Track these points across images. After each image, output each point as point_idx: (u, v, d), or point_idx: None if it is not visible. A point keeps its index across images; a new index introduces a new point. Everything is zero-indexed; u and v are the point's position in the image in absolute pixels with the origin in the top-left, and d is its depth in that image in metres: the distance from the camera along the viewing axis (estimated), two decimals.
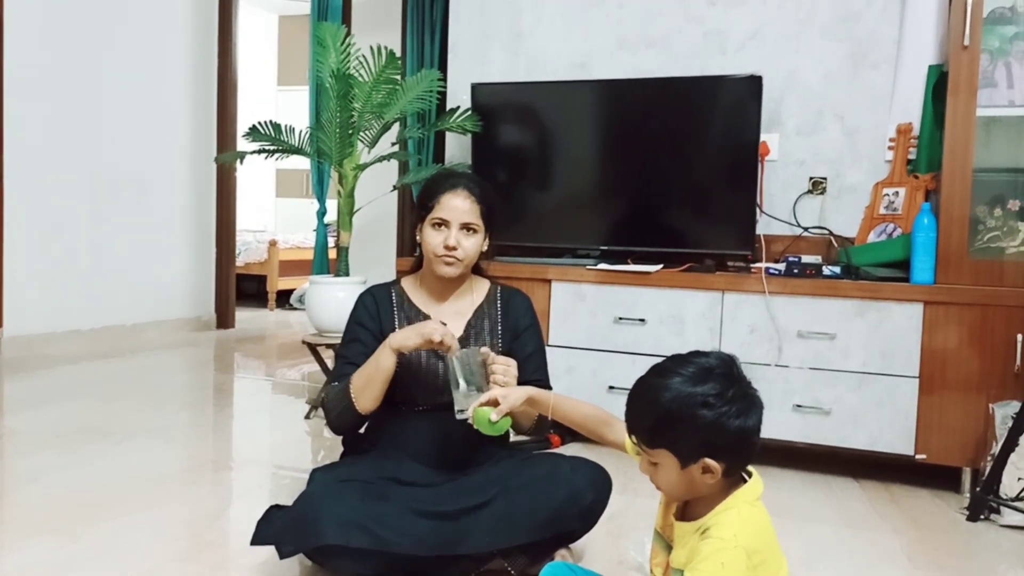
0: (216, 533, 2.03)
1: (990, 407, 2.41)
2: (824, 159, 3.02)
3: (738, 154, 2.89)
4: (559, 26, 3.39)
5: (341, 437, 1.95)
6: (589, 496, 1.70)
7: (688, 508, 1.28)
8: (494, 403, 1.56)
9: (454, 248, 1.81)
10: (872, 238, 2.86)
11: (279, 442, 3.03)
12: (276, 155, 3.34)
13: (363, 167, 3.32)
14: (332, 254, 4.04)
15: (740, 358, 1.25)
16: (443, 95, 3.48)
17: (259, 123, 3.25)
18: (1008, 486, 2.26)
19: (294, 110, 6.68)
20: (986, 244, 2.52)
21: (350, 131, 3.20)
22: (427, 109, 3.51)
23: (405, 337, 1.71)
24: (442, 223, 1.82)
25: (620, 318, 2.84)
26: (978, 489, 2.31)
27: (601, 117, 3.21)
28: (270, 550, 1.68)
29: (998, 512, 2.26)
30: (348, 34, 3.33)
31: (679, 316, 2.77)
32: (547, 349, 2.04)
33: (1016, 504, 2.22)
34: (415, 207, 1.97)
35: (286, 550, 1.61)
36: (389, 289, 1.94)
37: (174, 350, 4.68)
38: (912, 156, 2.86)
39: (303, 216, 7.87)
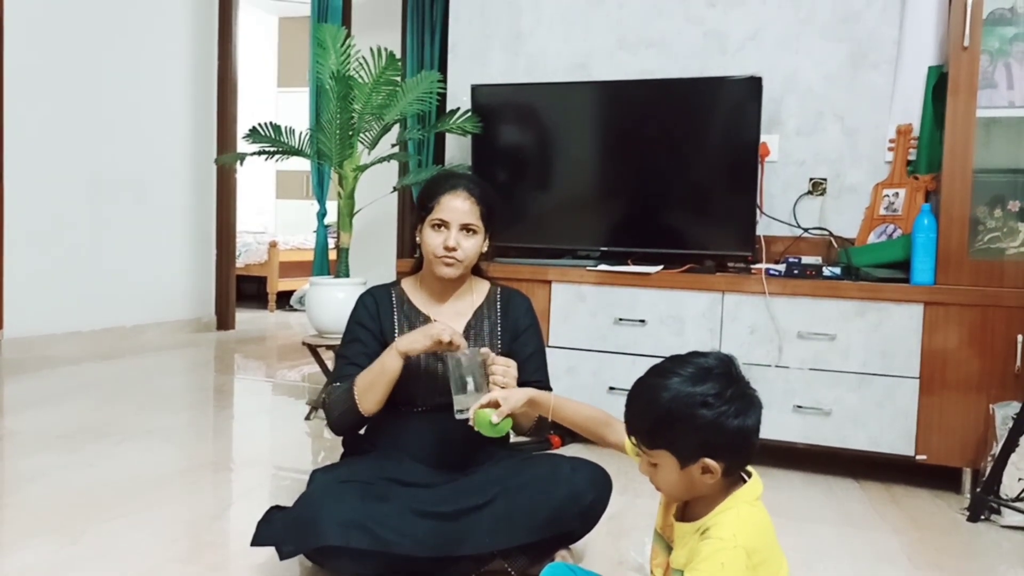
0: (216, 534, 2.03)
1: (990, 407, 2.41)
2: (824, 160, 3.02)
3: (738, 155, 2.89)
4: (559, 27, 3.39)
5: (341, 438, 1.95)
6: (589, 496, 1.70)
7: (688, 509, 1.28)
8: (495, 405, 1.56)
9: (454, 249, 1.81)
10: (872, 239, 2.86)
11: (279, 443, 3.03)
12: (276, 156, 3.34)
13: (363, 168, 3.32)
14: (332, 255, 4.04)
15: (740, 359, 1.26)
16: (443, 96, 3.48)
17: (259, 124, 3.25)
18: (1008, 487, 2.25)
19: (294, 111, 6.68)
20: (986, 245, 2.52)
21: (350, 132, 3.20)
22: (427, 110, 3.51)
23: (413, 340, 1.72)
24: (442, 224, 1.82)
25: (620, 319, 2.84)
26: (978, 490, 2.31)
27: (601, 118, 3.21)
28: (270, 551, 1.68)
29: (998, 512, 2.26)
30: (348, 35, 3.33)
31: (679, 317, 2.77)
32: (547, 350, 2.04)
33: (1016, 505, 2.21)
34: (415, 208, 1.97)
35: (286, 551, 1.61)
36: (389, 290, 1.94)
37: (174, 351, 4.68)
38: (912, 157, 2.86)
39: (303, 217, 7.88)
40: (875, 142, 2.95)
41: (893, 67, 2.92)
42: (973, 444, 2.46)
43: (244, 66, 6.06)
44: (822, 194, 3.02)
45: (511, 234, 3.10)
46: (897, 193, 2.84)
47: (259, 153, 3.33)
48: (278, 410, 3.53)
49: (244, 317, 6.10)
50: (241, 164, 3.56)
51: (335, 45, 3.28)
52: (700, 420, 1.17)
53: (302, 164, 5.23)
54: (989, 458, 2.33)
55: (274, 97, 8.62)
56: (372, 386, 1.75)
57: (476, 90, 3.30)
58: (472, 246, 1.84)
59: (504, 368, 1.66)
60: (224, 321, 5.54)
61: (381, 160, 3.35)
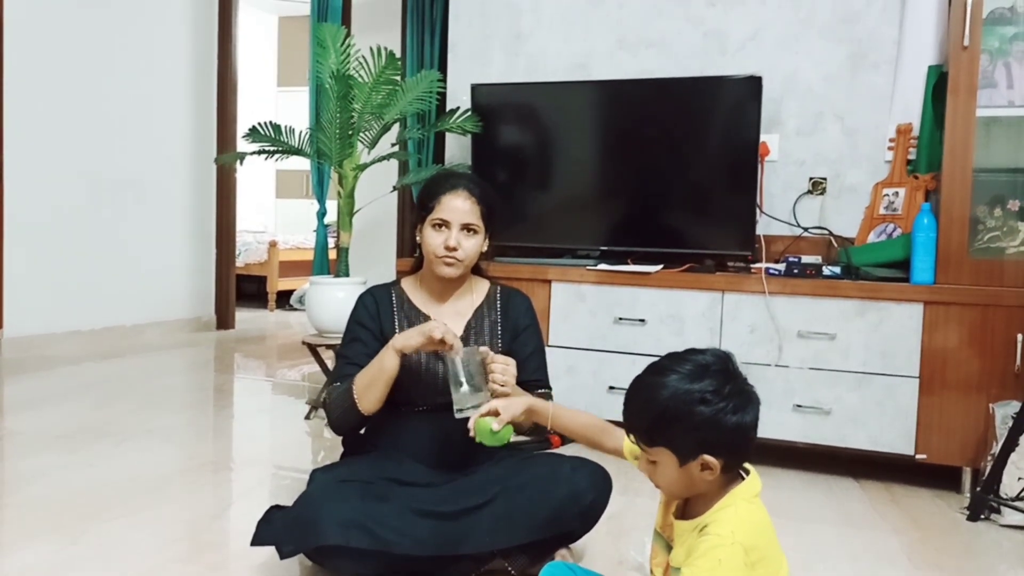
0: (216, 534, 2.03)
1: (990, 407, 2.41)
2: (824, 159, 3.02)
3: (738, 154, 2.89)
4: (559, 27, 3.39)
5: (341, 437, 1.95)
6: (589, 496, 1.70)
7: (687, 507, 1.28)
8: (494, 414, 1.55)
9: (455, 249, 1.81)
10: (872, 238, 2.86)
11: (279, 443, 3.03)
12: (276, 156, 3.34)
13: (363, 168, 3.32)
14: (332, 255, 4.04)
15: (740, 358, 1.26)
16: (443, 96, 3.48)
17: (259, 124, 3.25)
18: (1008, 486, 2.26)
19: (294, 111, 6.68)
20: (986, 244, 2.52)
21: (350, 132, 3.20)
22: (427, 110, 3.51)
23: (407, 337, 1.72)
24: (442, 224, 1.82)
25: (620, 318, 2.84)
26: (978, 489, 2.31)
27: (601, 118, 3.21)
28: (270, 551, 1.68)
29: (998, 512, 2.26)
30: (348, 35, 3.33)
31: (679, 316, 2.77)
32: (547, 349, 2.04)
33: (1016, 504, 2.21)
34: (415, 208, 1.97)
35: (286, 550, 1.62)
36: (389, 289, 1.94)
37: (174, 351, 4.68)
38: (912, 156, 2.86)
39: (303, 217, 7.88)
40: (875, 142, 2.95)
41: (893, 67, 2.92)
42: (973, 443, 2.46)
43: (244, 66, 6.06)
44: (822, 193, 3.02)
45: (511, 233, 3.10)
46: (897, 192, 2.84)
47: (259, 152, 3.33)
48: (278, 410, 3.53)
49: (244, 316, 6.10)
50: (241, 163, 3.56)
51: (335, 44, 3.28)
52: (698, 417, 1.17)
53: (302, 163, 5.23)
54: (989, 457, 2.33)
55: (274, 96, 8.62)
56: (371, 385, 1.75)
57: (476, 89, 3.29)
58: (473, 246, 1.84)
59: (504, 367, 1.66)
60: (224, 320, 5.54)
61: (381, 159, 3.35)
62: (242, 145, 3.69)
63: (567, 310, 2.92)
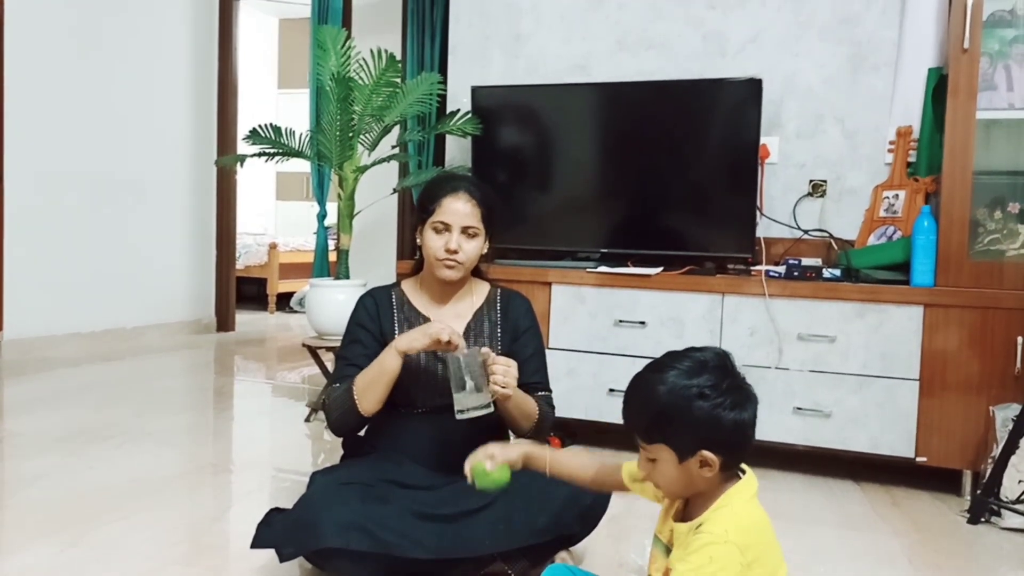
0: (216, 536, 2.03)
1: (990, 410, 2.41)
2: (824, 162, 3.02)
3: (738, 157, 2.89)
4: (559, 28, 3.39)
5: (341, 440, 1.95)
6: (589, 498, 1.70)
7: (686, 510, 1.29)
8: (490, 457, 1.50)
9: (455, 252, 1.81)
10: (872, 241, 2.86)
11: (279, 445, 3.03)
12: (276, 158, 3.34)
13: (363, 170, 3.33)
14: (332, 257, 4.04)
15: (740, 361, 1.26)
16: (443, 98, 3.48)
17: (259, 126, 3.25)
18: (1008, 489, 2.25)
19: (294, 113, 6.68)
20: (986, 246, 2.52)
21: (350, 134, 3.20)
22: (427, 112, 3.51)
23: (412, 339, 1.71)
24: (443, 226, 1.82)
25: (620, 321, 2.84)
26: (979, 492, 2.31)
27: (601, 119, 3.21)
28: (270, 553, 1.68)
29: (999, 515, 2.26)
30: (348, 37, 3.33)
31: (679, 318, 2.77)
32: (547, 352, 2.04)
33: (1017, 507, 2.21)
34: (415, 210, 1.97)
35: (286, 553, 1.61)
36: (389, 291, 1.94)
37: (174, 353, 4.68)
38: (912, 159, 2.86)
39: (303, 219, 7.88)
40: (875, 144, 2.95)
41: (893, 69, 2.92)
42: (973, 446, 2.46)
43: (244, 68, 6.06)
44: (822, 196, 3.02)
45: (511, 236, 3.10)
46: (897, 195, 2.84)
47: (259, 154, 3.33)
48: (278, 412, 3.53)
49: (244, 319, 6.10)
50: (241, 165, 3.57)
51: (335, 47, 3.28)
52: (697, 412, 1.18)
53: (302, 166, 5.23)
54: (989, 460, 2.33)
55: (274, 98, 8.62)
56: (371, 386, 1.75)
57: (476, 91, 3.30)
58: (473, 248, 1.84)
59: (504, 368, 1.66)
60: (224, 323, 5.54)
61: (381, 161, 3.35)
62: (242, 147, 3.69)
63: (567, 312, 2.92)
